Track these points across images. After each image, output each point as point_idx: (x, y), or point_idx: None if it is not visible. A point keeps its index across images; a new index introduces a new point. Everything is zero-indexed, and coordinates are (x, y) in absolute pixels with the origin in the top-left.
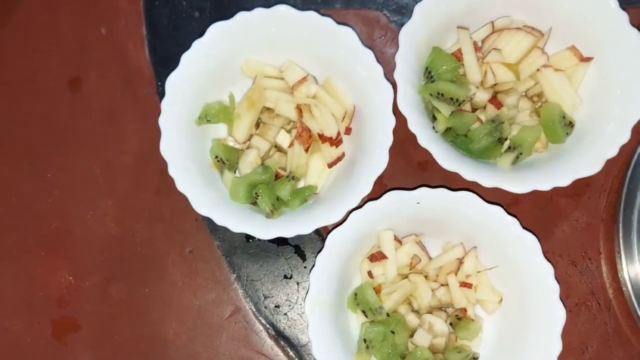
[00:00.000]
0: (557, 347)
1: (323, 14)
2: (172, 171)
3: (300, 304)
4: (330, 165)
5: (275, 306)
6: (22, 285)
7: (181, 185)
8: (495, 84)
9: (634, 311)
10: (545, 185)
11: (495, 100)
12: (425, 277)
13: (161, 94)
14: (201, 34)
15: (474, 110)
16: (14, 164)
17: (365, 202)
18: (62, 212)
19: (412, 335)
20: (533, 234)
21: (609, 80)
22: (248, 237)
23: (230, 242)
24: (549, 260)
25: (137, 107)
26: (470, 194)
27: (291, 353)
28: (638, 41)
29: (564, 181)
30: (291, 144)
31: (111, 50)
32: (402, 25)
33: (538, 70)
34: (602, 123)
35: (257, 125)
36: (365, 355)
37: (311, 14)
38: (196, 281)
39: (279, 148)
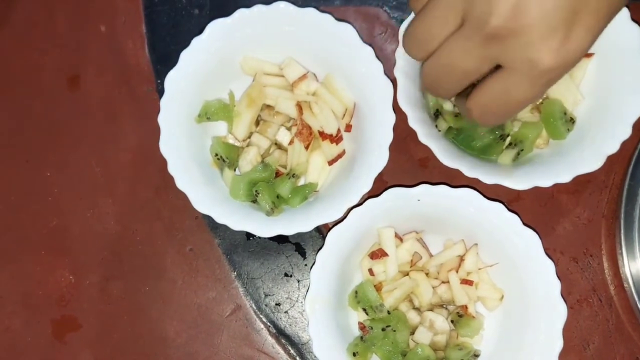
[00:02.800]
0: (559, 344)
1: (322, 11)
2: (172, 169)
3: (301, 302)
4: (330, 163)
5: (276, 304)
6: (22, 284)
7: (181, 183)
8: None
9: (635, 308)
10: (546, 182)
11: None
12: (426, 274)
13: (160, 91)
14: (200, 32)
15: None
16: (13, 163)
17: (366, 199)
18: (61, 210)
19: (413, 333)
20: (534, 230)
21: (610, 77)
22: (248, 235)
23: (231, 240)
24: (550, 256)
25: (136, 105)
26: (471, 191)
27: (292, 351)
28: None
29: (565, 177)
30: (291, 142)
31: (110, 48)
32: (402, 21)
33: None
34: (603, 119)
35: (257, 122)
36: (362, 347)
37: (310, 11)
38: (196, 279)
39: (279, 145)
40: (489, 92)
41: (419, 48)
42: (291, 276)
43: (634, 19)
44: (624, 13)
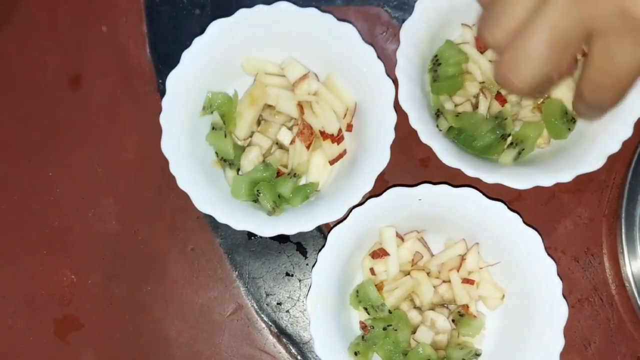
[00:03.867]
0: (560, 343)
1: (324, 11)
2: (173, 169)
3: (302, 302)
4: (331, 162)
5: (277, 304)
6: (24, 284)
7: (182, 183)
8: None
9: (636, 307)
10: (547, 181)
11: (500, 97)
12: (428, 273)
13: (162, 91)
14: (202, 32)
15: (474, 107)
16: (15, 163)
17: (367, 199)
18: (63, 210)
19: (414, 332)
20: (535, 230)
21: None
22: (250, 235)
23: (232, 239)
24: (551, 256)
25: (137, 105)
26: (472, 190)
27: (293, 350)
28: None
29: (566, 177)
30: (292, 141)
31: (112, 48)
32: (403, 21)
33: None
34: (604, 119)
35: (259, 122)
36: (363, 346)
37: (312, 11)
38: (198, 279)
39: (280, 145)
40: (594, 64)
41: (498, 27)
42: (292, 275)
43: None
44: None
